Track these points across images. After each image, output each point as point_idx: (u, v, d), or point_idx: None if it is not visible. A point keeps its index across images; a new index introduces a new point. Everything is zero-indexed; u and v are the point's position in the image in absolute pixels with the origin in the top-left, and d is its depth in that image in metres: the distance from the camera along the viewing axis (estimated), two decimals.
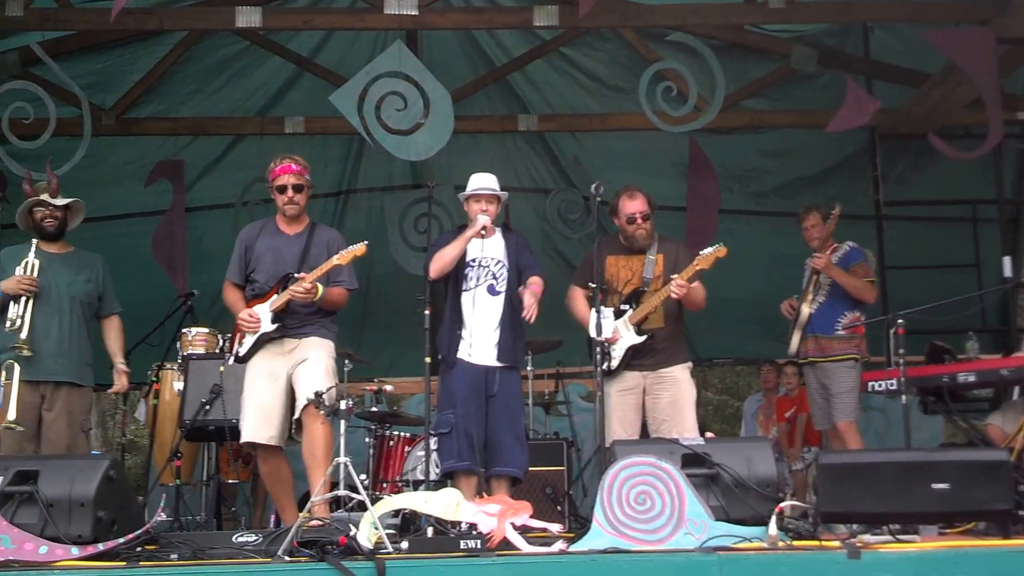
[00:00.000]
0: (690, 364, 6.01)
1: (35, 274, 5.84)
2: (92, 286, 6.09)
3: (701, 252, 5.75)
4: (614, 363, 5.80)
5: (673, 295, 5.69)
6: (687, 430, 5.64)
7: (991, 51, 7.21)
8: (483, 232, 5.66)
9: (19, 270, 5.82)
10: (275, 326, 5.46)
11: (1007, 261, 8.33)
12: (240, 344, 5.59)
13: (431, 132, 7.78)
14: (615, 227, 6.18)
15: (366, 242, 5.47)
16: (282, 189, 5.61)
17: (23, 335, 5.73)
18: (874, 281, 6.70)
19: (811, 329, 6.64)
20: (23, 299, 5.79)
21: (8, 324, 5.78)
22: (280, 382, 5.46)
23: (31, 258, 5.87)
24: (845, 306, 6.62)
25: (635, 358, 5.84)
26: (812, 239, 6.75)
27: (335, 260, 5.40)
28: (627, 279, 5.95)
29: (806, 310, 6.62)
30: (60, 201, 6.08)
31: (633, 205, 5.95)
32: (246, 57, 8.82)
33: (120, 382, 6.15)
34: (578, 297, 6.04)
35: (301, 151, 5.80)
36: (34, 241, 5.97)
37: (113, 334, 6.19)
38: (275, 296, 5.48)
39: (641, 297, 5.88)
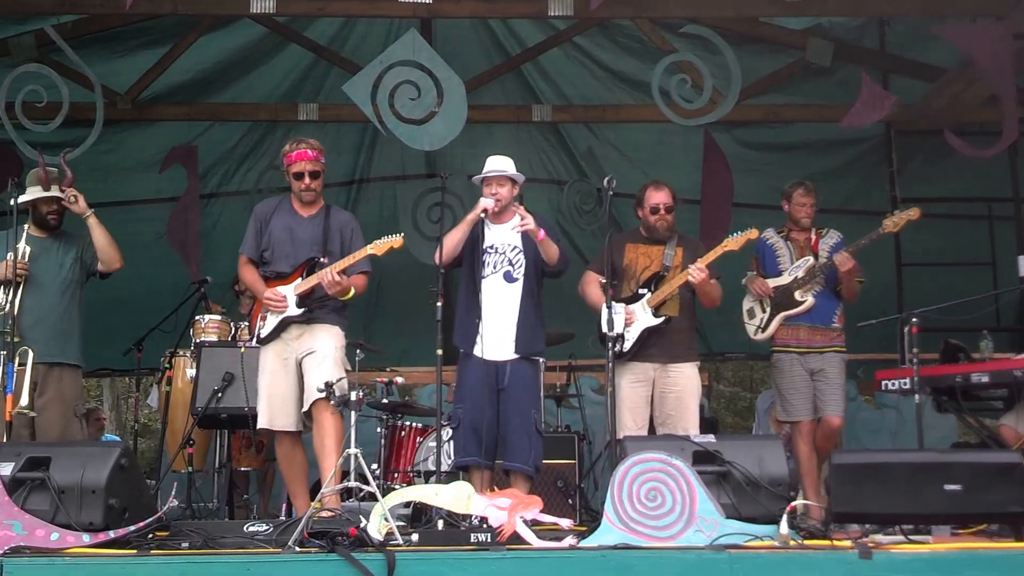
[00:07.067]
0: (698, 363, 6.08)
1: (27, 259, 5.80)
2: (79, 265, 6.05)
3: (730, 235, 5.81)
4: (627, 345, 5.82)
5: (691, 279, 5.73)
6: (691, 426, 5.78)
7: (1007, 47, 7.16)
8: (483, 214, 5.63)
9: (10, 255, 5.73)
10: (301, 311, 5.44)
11: (1022, 260, 8.27)
12: (262, 325, 5.56)
13: (444, 121, 7.74)
14: (636, 220, 6.25)
15: (402, 234, 5.46)
16: (299, 176, 5.57)
17: (11, 321, 5.61)
18: (862, 282, 6.50)
19: (808, 319, 6.40)
20: (12, 284, 5.69)
21: None
22: (291, 367, 5.46)
23: (23, 244, 5.83)
24: (838, 297, 6.47)
25: (647, 346, 5.87)
26: (805, 217, 6.56)
27: (369, 249, 5.38)
28: (645, 265, 6.02)
29: (811, 300, 6.39)
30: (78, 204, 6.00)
31: (658, 196, 6.07)
32: (263, 46, 8.80)
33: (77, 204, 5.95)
34: (592, 281, 6.07)
35: (315, 139, 5.77)
36: (25, 226, 5.94)
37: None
38: (299, 279, 5.45)
39: (660, 282, 5.92)
